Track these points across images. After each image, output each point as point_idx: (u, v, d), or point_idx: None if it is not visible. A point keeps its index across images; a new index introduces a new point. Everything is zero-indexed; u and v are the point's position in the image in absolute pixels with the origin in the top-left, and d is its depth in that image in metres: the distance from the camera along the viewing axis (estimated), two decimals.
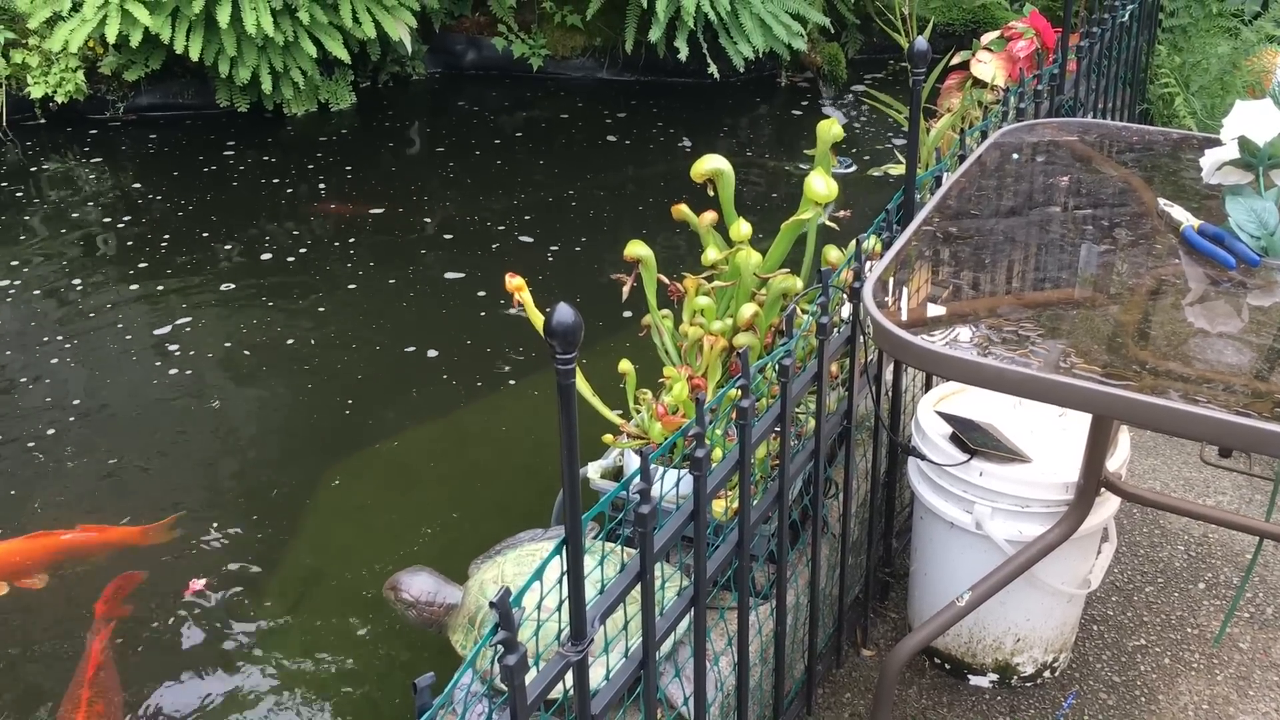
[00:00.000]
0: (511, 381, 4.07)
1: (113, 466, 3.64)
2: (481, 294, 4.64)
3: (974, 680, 2.50)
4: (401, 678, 2.80)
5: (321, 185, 5.73)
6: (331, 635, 2.96)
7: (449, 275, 4.82)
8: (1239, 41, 5.09)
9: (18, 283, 4.77)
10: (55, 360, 4.22)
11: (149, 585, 3.16)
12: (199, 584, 3.14)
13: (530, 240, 5.13)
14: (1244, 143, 2.04)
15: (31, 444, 3.74)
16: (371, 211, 5.41)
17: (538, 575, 1.35)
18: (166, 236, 5.16)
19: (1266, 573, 2.79)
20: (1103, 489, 2.19)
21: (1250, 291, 1.89)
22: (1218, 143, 2.13)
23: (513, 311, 4.18)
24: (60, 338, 4.38)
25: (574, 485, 1.30)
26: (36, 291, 4.72)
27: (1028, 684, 2.49)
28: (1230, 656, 2.56)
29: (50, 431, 3.80)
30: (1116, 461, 2.27)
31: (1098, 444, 2.09)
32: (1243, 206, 1.98)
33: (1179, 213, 2.07)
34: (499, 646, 1.27)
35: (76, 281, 4.80)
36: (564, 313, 1.19)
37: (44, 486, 3.55)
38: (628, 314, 4.13)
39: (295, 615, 3.05)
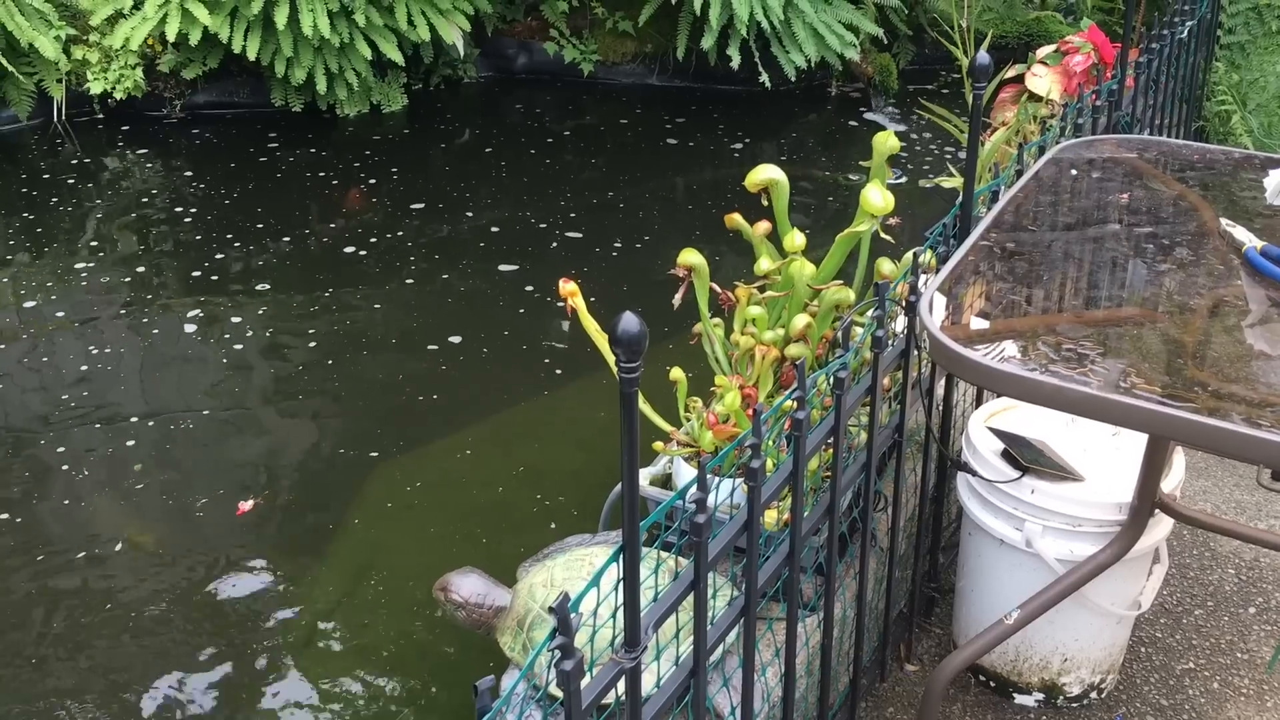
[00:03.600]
0: (558, 384, 4.09)
1: (151, 458, 3.69)
2: (533, 295, 4.67)
3: (1019, 699, 2.48)
4: (449, 676, 2.82)
5: (373, 184, 5.79)
6: (379, 632, 2.99)
7: (499, 275, 4.86)
8: None
9: (73, 276, 4.85)
10: (109, 351, 4.28)
11: (194, 575, 3.20)
12: (244, 576, 3.18)
13: (579, 244, 5.15)
14: None
15: (72, 427, 3.80)
16: (422, 211, 5.46)
17: (595, 582, 1.37)
18: (220, 232, 5.23)
19: None
20: (1156, 510, 2.17)
21: None
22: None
23: (565, 325, 4.22)
24: (115, 330, 4.45)
25: (634, 493, 1.31)
26: (89, 284, 4.80)
27: (1074, 705, 2.47)
28: None
29: (101, 424, 3.86)
30: (1171, 483, 2.25)
31: (1154, 465, 2.07)
32: None
33: (1241, 233, 2.05)
34: (556, 651, 1.28)
35: (128, 276, 4.88)
36: (630, 322, 1.20)
37: (84, 477, 3.61)
38: (676, 321, 4.14)
39: (342, 611, 3.08)
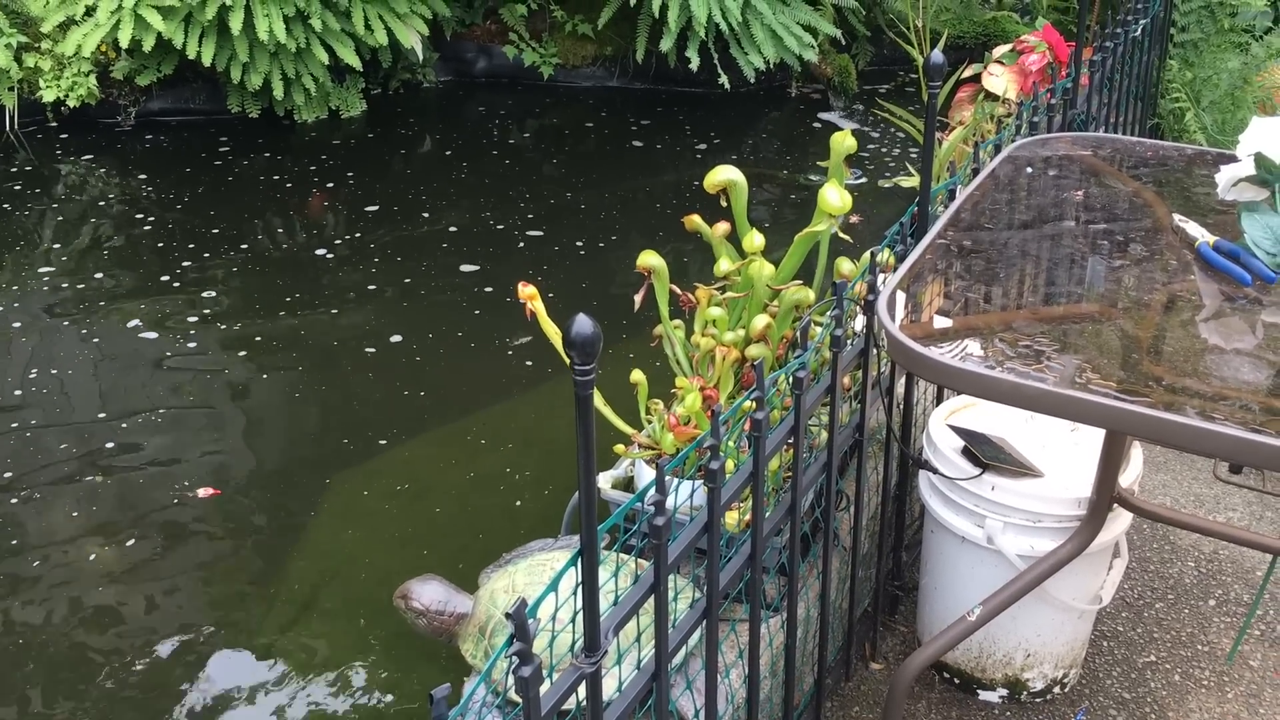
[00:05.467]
0: (520, 387, 4.08)
1: (115, 467, 3.64)
2: (495, 298, 4.65)
3: (983, 695, 2.49)
4: (409, 686, 2.80)
5: (333, 189, 5.75)
6: (339, 641, 2.96)
7: (461, 278, 4.83)
8: (1249, 57, 5.09)
9: (29, 284, 4.78)
10: (64, 359, 4.22)
11: (150, 586, 3.16)
12: (204, 586, 3.14)
13: (540, 247, 5.14)
14: (1260, 159, 2.04)
15: (29, 440, 3.74)
16: (383, 215, 5.42)
17: (553, 587, 1.35)
18: (176, 239, 5.17)
19: (1277, 590, 2.78)
20: (1115, 504, 2.18)
21: (1266, 308, 1.89)
22: (1232, 159, 2.13)
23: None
24: (69, 337, 4.39)
25: (590, 497, 1.30)
26: (46, 290, 4.73)
27: (1037, 700, 2.48)
28: (1241, 674, 2.55)
29: (54, 430, 3.81)
30: (1129, 477, 2.27)
31: (1111, 460, 2.08)
32: (1258, 223, 1.98)
33: (1194, 229, 2.07)
34: (514, 657, 1.27)
35: (83, 285, 4.81)
36: (583, 324, 1.19)
37: (52, 490, 3.55)
38: (637, 323, 4.13)
39: (302, 621, 3.05)
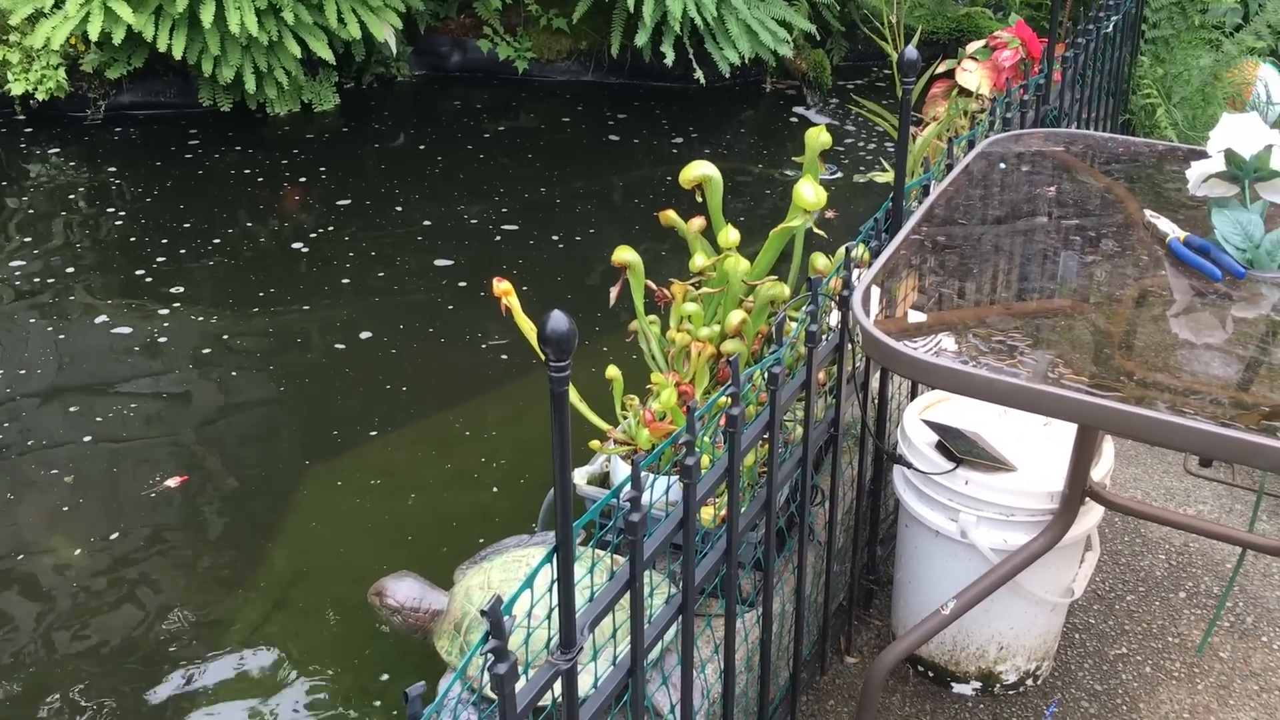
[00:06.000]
0: (495, 383, 4.07)
1: (86, 464, 3.61)
2: (470, 293, 4.64)
3: (957, 688, 2.51)
4: (385, 684, 2.79)
5: (305, 183, 5.71)
6: (314, 640, 2.95)
7: (435, 273, 4.81)
8: (1220, 54, 5.13)
9: None
10: (33, 353, 4.18)
11: (123, 584, 3.13)
12: (177, 585, 3.12)
13: (515, 242, 5.12)
14: (1230, 155, 2.05)
15: None
16: (357, 209, 5.39)
17: (529, 583, 1.35)
18: (147, 233, 5.13)
19: (1246, 582, 2.81)
20: (1087, 498, 2.20)
21: (1235, 303, 1.91)
22: (1203, 155, 2.14)
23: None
24: (38, 332, 4.34)
25: (566, 492, 1.29)
26: (16, 286, 4.68)
27: (1010, 692, 2.50)
28: (1211, 665, 2.57)
29: (18, 426, 3.77)
30: (1100, 471, 2.28)
31: (1083, 454, 2.10)
32: (1228, 219, 2.00)
33: (1165, 224, 2.08)
34: (489, 655, 1.26)
35: (53, 279, 4.76)
36: (558, 320, 1.19)
37: (18, 486, 3.52)
38: (613, 318, 4.13)
39: (276, 620, 3.03)
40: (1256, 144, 2.04)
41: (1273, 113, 5.39)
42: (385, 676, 2.81)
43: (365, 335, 4.34)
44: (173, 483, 3.52)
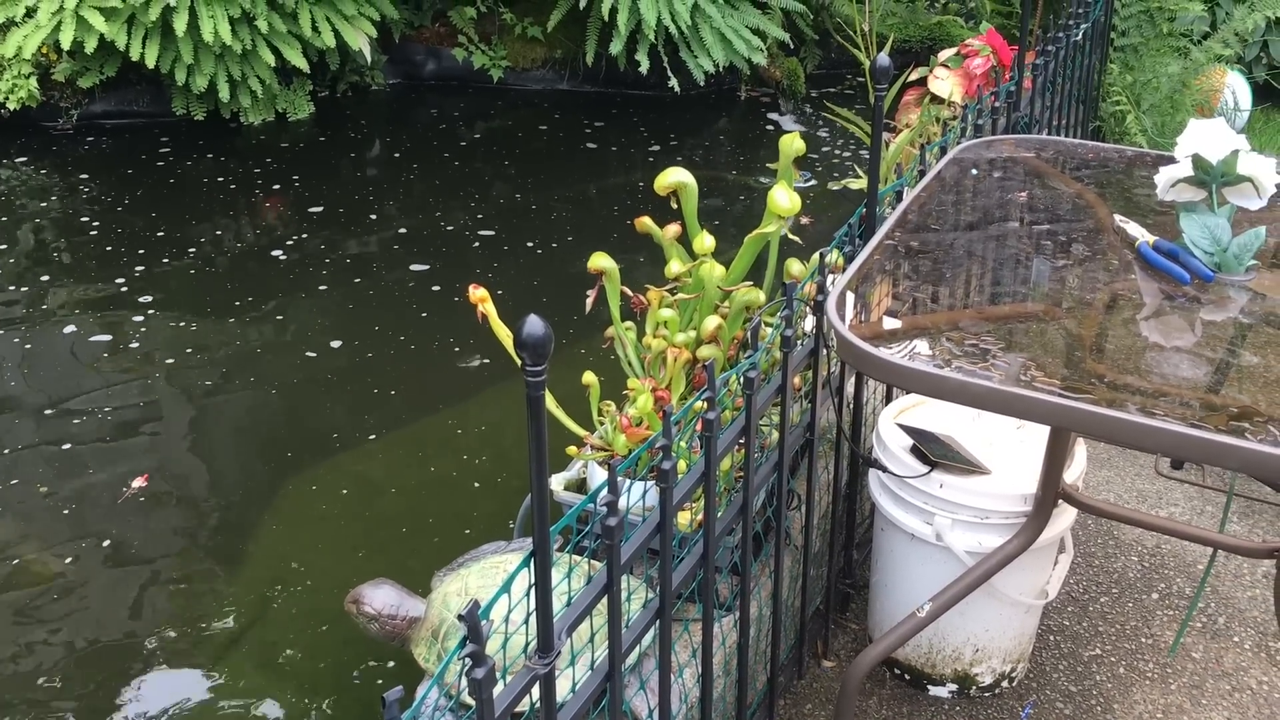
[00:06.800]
0: (471, 389, 4.06)
1: (57, 475, 3.58)
2: (446, 300, 4.63)
3: (933, 691, 2.52)
4: (362, 691, 2.78)
5: (280, 190, 5.69)
6: (291, 648, 2.94)
7: (411, 281, 4.81)
8: (1188, 61, 5.20)
9: None
10: (3, 361, 4.15)
11: (97, 597, 3.11)
12: (153, 594, 3.10)
13: (492, 248, 5.12)
14: (1197, 160, 2.08)
15: None
16: (332, 217, 5.38)
17: (506, 588, 1.35)
18: (119, 243, 5.10)
19: (1217, 583, 2.84)
20: (1060, 500, 2.22)
21: (1204, 306, 1.93)
22: (1171, 160, 2.17)
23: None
24: (7, 340, 4.31)
25: (543, 498, 1.30)
26: None
27: (986, 694, 2.52)
28: (1184, 666, 2.60)
29: None
30: (1073, 473, 2.31)
31: (1056, 456, 2.12)
32: (1197, 223, 2.02)
33: (1134, 229, 2.11)
34: (467, 660, 1.27)
35: (25, 288, 4.73)
36: (534, 325, 1.19)
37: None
38: (589, 324, 4.14)
39: (253, 628, 3.01)
40: (1223, 149, 2.07)
41: (1240, 119, 5.46)
42: (362, 684, 2.80)
43: (341, 342, 4.33)
44: (145, 489, 3.49)
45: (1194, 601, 2.65)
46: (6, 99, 6.09)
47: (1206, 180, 2.09)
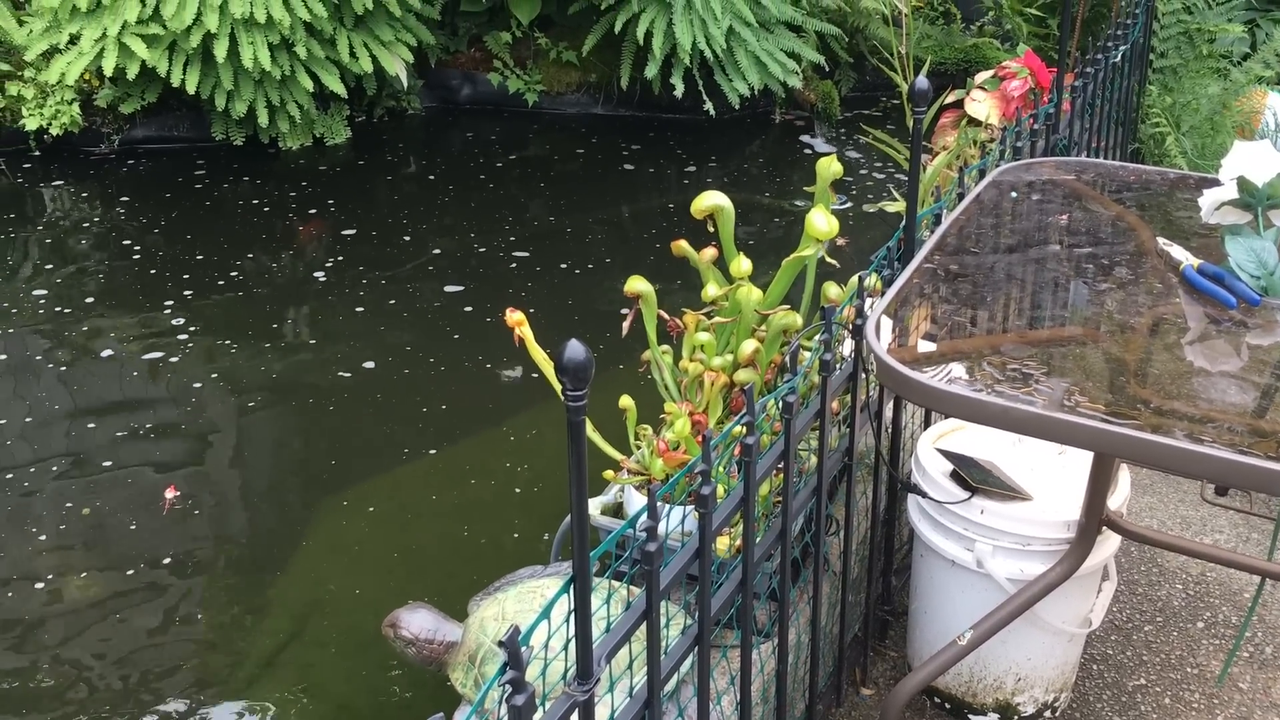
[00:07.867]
0: (508, 413, 4.07)
1: (99, 501, 3.62)
2: (482, 324, 4.65)
3: None
4: (399, 715, 2.78)
5: (317, 215, 5.74)
6: (328, 671, 2.94)
7: (448, 304, 4.83)
8: (1228, 82, 5.15)
9: (12, 312, 4.76)
10: (42, 389, 4.20)
11: (138, 618, 3.13)
12: (191, 616, 3.11)
13: (526, 270, 5.14)
14: (1243, 183, 2.06)
15: (10, 475, 3.71)
16: (369, 240, 5.42)
17: (545, 614, 1.35)
18: (160, 266, 5.16)
19: (1265, 612, 2.78)
20: (1104, 527, 2.19)
21: (1251, 330, 1.90)
22: (1215, 183, 2.14)
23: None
24: (49, 367, 4.36)
25: (583, 523, 1.29)
26: (27, 322, 4.71)
27: None
28: (1230, 696, 2.55)
29: (34, 464, 3.78)
30: (1117, 500, 2.27)
31: (1100, 482, 2.09)
32: (1242, 246, 2.00)
33: (1178, 252, 2.08)
34: (507, 686, 1.26)
35: (68, 310, 4.79)
36: (575, 349, 1.19)
37: (23, 524, 3.52)
38: (625, 348, 4.13)
39: (290, 651, 3.02)
40: (1269, 171, 2.04)
41: None
42: (399, 709, 2.79)
43: (378, 365, 4.35)
44: (184, 509, 3.52)
45: (1241, 630, 2.60)
46: (50, 124, 6.18)
47: (1252, 202, 2.06)
